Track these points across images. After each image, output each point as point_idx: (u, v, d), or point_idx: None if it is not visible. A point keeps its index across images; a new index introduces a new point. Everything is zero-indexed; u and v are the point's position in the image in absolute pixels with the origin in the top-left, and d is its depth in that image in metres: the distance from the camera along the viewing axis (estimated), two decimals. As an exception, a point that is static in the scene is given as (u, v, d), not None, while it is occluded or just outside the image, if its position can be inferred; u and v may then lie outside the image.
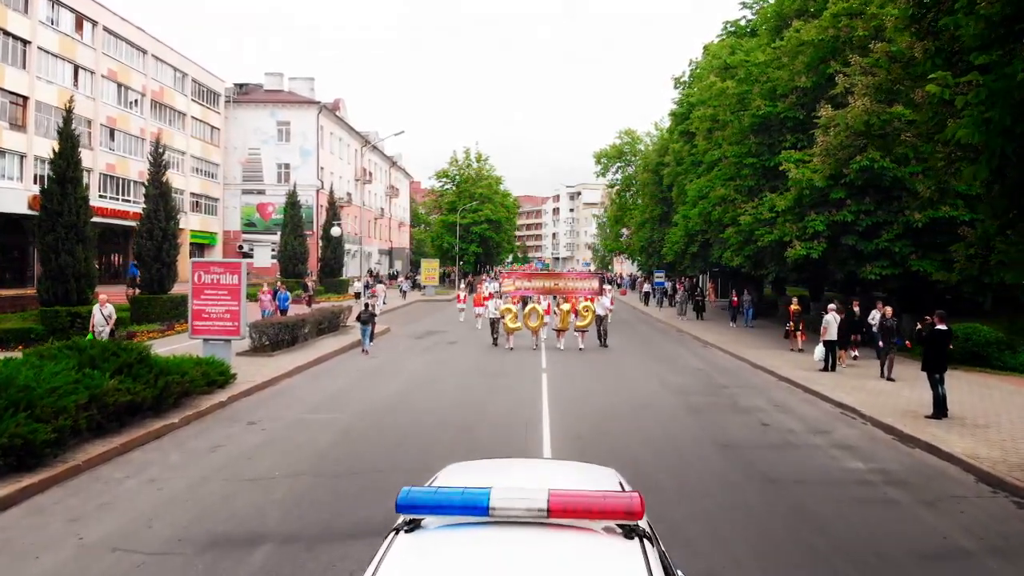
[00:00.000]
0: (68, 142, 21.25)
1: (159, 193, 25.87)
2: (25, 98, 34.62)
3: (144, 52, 44.60)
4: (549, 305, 23.66)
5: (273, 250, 50.20)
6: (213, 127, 53.62)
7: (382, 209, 75.68)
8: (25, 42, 34.50)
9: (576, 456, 9.79)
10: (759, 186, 24.87)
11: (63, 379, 10.06)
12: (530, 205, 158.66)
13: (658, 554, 3.02)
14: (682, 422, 12.24)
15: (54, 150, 21.35)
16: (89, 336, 14.65)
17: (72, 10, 37.92)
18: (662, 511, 7.70)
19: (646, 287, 48.16)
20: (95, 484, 8.82)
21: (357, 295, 32.77)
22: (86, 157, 39.16)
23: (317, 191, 54.69)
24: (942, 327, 12.86)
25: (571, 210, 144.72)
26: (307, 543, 6.84)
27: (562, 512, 2.85)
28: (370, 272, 58.86)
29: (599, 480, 4.01)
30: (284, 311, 26.15)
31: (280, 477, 8.89)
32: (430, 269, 54.77)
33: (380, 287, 40.45)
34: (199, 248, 51.63)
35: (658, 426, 11.87)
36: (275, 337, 20.02)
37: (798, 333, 21.94)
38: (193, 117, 50.50)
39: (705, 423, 12.16)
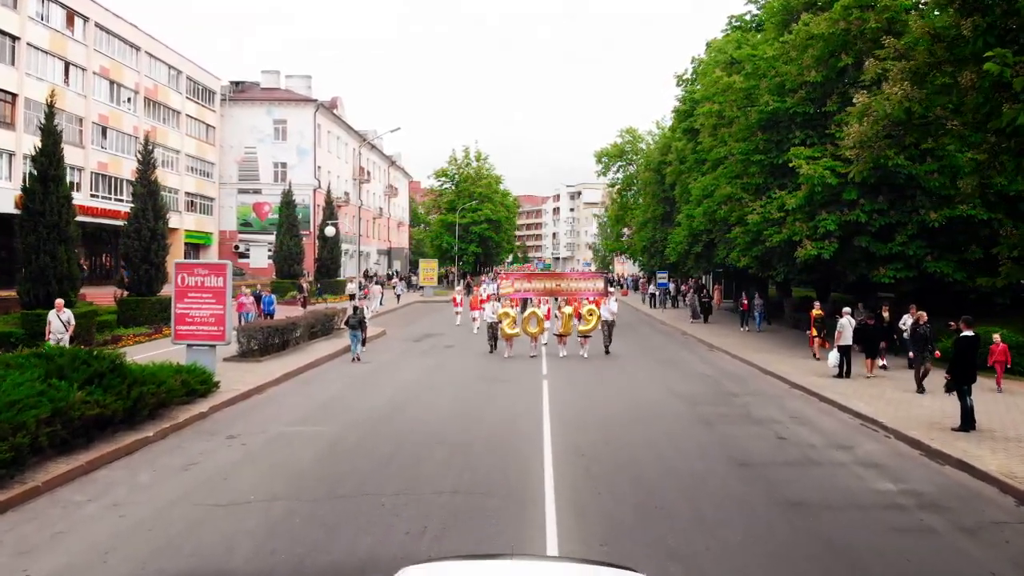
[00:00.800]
0: (50, 138, 20.42)
1: (148, 192, 25.05)
2: (14, 95, 33.83)
3: (137, 49, 43.80)
4: (549, 310, 22.41)
5: (270, 250, 49.39)
6: (208, 125, 52.81)
7: (381, 209, 74.87)
8: (14, 38, 33.70)
9: (581, 475, 9.01)
10: (767, 184, 24.01)
11: (25, 391, 9.28)
12: (530, 205, 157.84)
13: None
14: (693, 435, 11.43)
15: (36, 147, 20.55)
16: (47, 344, 13.79)
17: (63, 6, 37.12)
18: (678, 544, 6.91)
19: (651, 288, 46.41)
20: (53, 509, 8.04)
21: (351, 297, 31.96)
22: (77, 155, 38.79)
23: (314, 190, 53.89)
24: (969, 333, 12.05)
25: (571, 210, 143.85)
26: (276, 585, 6.05)
27: None
28: (365, 273, 58.04)
29: None
30: (270, 315, 25.04)
31: (255, 502, 8.09)
32: (428, 269, 54.01)
33: (376, 288, 39.60)
34: (194, 248, 50.84)
35: (668, 440, 11.06)
36: (264, 341, 19.23)
37: (818, 339, 19.94)
38: (188, 115, 49.68)
39: (718, 436, 11.35)
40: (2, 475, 8.33)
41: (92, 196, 39.32)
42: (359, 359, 19.41)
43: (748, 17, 34.42)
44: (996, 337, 16.18)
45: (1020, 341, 18.45)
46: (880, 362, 18.00)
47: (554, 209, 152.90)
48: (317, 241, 46.47)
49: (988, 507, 8.41)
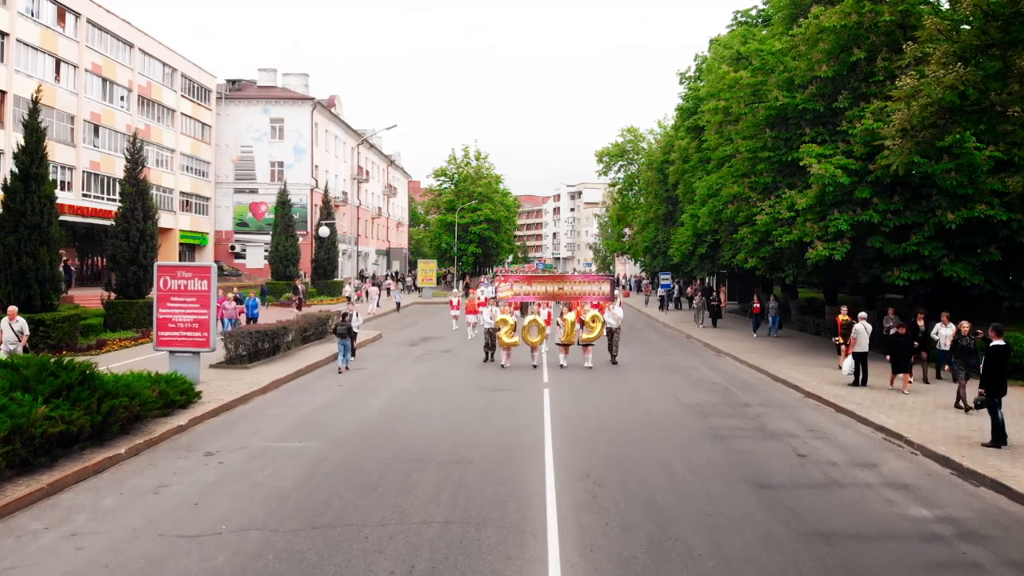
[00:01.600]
0: (33, 135, 19.63)
1: (136, 191, 24.31)
2: (3, 92, 33.07)
3: (131, 46, 43.01)
4: (550, 315, 21.19)
5: (266, 251, 48.65)
6: (204, 124, 52.00)
7: (379, 209, 74.05)
8: (3, 34, 32.95)
9: (586, 501, 8.22)
10: (776, 183, 23.23)
11: (-18, 406, 8.52)
12: (530, 205, 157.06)
13: None
14: (706, 452, 10.63)
15: (18, 144, 19.77)
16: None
17: (54, 2, 36.36)
18: (698, 589, 6.12)
19: (660, 291, 44.98)
20: (6, 539, 7.28)
21: (348, 299, 31.16)
22: (69, 154, 38.02)
23: (311, 190, 53.12)
24: (1000, 342, 11.26)
25: (572, 209, 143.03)
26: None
27: None
28: (360, 274, 57.25)
29: None
30: (253, 319, 24.05)
31: (226, 532, 7.30)
32: (427, 270, 53.23)
33: (373, 290, 38.77)
34: (189, 249, 50.08)
35: (679, 457, 10.26)
36: (253, 347, 18.42)
37: (845, 347, 17.75)
38: (183, 113, 48.89)
39: (732, 453, 10.55)
40: (-50, 502, 7.58)
41: (84, 196, 38.56)
42: (347, 369, 17.96)
43: (754, 12, 33.64)
44: None
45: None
46: (909, 377, 15.67)
47: (554, 209, 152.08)
48: (314, 241, 45.71)
49: (1034, 537, 7.63)
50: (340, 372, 17.83)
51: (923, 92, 11.15)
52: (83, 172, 38.83)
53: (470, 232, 69.04)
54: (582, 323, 19.08)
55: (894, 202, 19.69)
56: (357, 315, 19.79)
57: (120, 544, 7.08)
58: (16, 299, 18.99)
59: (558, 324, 19.35)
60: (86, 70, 38.83)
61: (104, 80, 40.64)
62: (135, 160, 24.48)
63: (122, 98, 42.65)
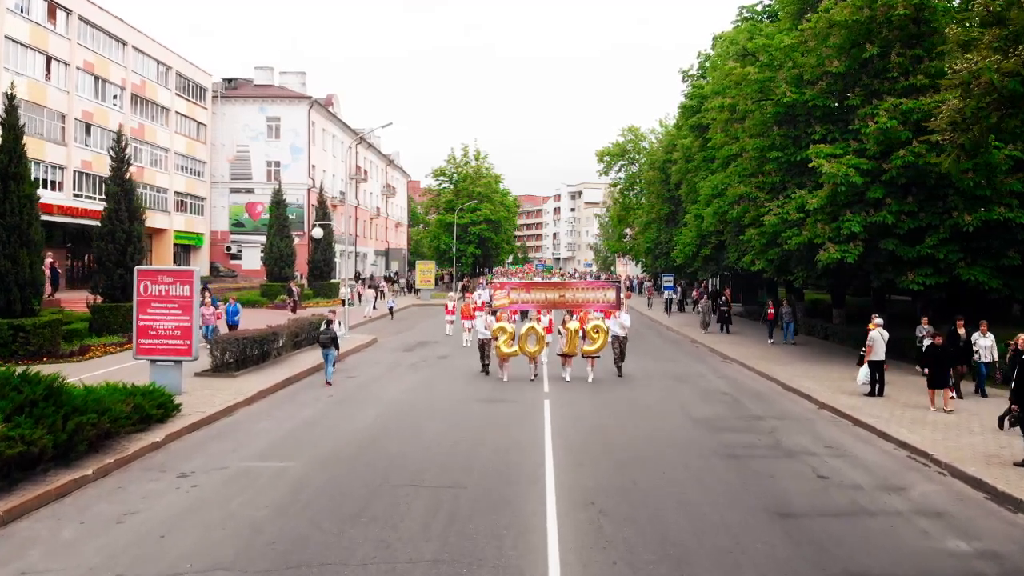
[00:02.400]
0: (11, 133, 18.89)
1: (122, 191, 23.55)
2: (-10, 90, 32.28)
3: (124, 43, 42.22)
4: (551, 322, 19.84)
5: (263, 252, 47.87)
6: (199, 123, 51.21)
7: (378, 209, 73.24)
8: (-9, 30, 32.18)
9: (591, 535, 7.45)
10: (784, 183, 22.45)
11: (-69, 427, 7.77)
12: (530, 205, 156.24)
13: None
14: (720, 473, 9.86)
15: (-2, 143, 19.00)
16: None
17: (44, -3, 35.58)
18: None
19: (667, 294, 43.45)
20: (-53, 579, 6.51)
21: (343, 302, 30.37)
22: (59, 153, 37.22)
23: (308, 190, 52.35)
24: (1033, 353, 10.49)
25: (572, 209, 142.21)
26: None
27: None
28: (356, 276, 56.45)
29: None
30: (233, 326, 22.87)
31: (189, 574, 6.54)
32: (425, 272, 52.52)
33: (368, 292, 37.99)
34: (184, 249, 49.31)
35: (692, 480, 9.49)
36: (241, 353, 17.67)
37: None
38: (178, 112, 48.09)
39: (749, 475, 9.77)
40: None
41: (75, 196, 37.75)
42: (329, 383, 16.64)
43: (760, 8, 32.85)
44: None
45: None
46: (950, 393, 14.31)
47: (555, 209, 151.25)
48: (311, 242, 44.96)
49: (1087, 576, 6.87)
50: (327, 386, 16.57)
51: (983, 79, 10.21)
52: (74, 172, 38.05)
53: (469, 232, 68.34)
54: (585, 333, 17.68)
55: (908, 203, 18.93)
56: (341, 323, 18.66)
57: (70, 587, 6.33)
58: (-6, 304, 18.29)
59: (559, 333, 17.86)
60: (78, 68, 38.03)
61: (96, 78, 39.84)
62: (120, 158, 23.73)
63: (115, 97, 41.86)
